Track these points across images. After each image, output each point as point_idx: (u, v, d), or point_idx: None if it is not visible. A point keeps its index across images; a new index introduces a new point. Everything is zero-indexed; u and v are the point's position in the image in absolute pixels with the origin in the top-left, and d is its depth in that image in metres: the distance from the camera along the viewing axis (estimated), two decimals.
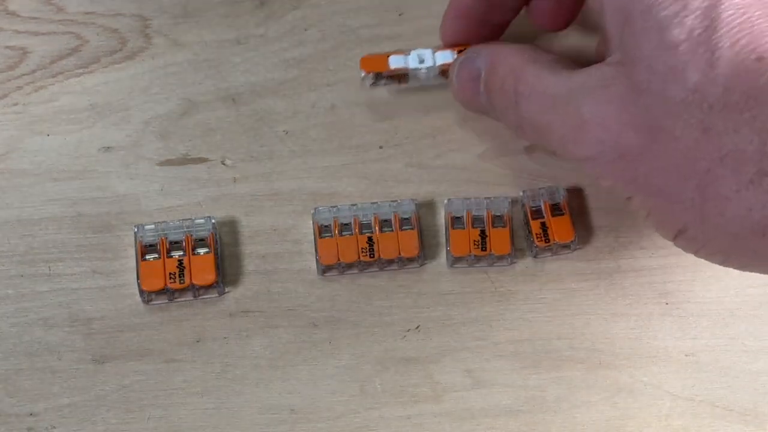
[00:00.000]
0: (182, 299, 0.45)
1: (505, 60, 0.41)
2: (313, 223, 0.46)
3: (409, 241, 0.46)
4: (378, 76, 0.45)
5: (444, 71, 0.44)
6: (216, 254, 0.45)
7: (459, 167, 0.48)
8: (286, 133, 0.48)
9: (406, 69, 0.44)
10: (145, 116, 0.49)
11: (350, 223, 0.46)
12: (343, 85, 0.49)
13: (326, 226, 0.46)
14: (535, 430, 0.43)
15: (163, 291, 0.45)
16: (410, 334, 0.45)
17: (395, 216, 0.46)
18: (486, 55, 0.42)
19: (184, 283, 0.45)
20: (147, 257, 0.45)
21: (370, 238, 0.46)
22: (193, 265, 0.45)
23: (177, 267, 0.45)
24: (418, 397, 0.44)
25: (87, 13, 0.50)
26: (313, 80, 0.49)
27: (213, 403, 0.44)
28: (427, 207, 0.47)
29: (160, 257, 0.45)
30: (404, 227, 0.46)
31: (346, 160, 0.48)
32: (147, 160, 0.48)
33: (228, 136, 0.48)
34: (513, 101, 0.40)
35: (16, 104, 0.49)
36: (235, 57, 0.50)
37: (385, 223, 0.46)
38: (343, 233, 0.46)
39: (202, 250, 0.45)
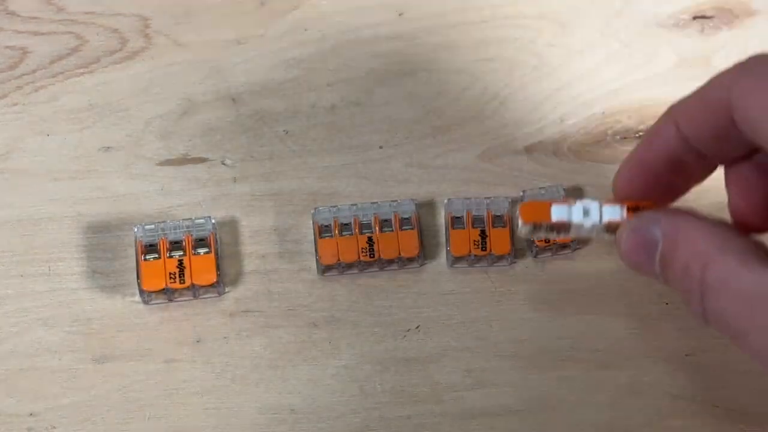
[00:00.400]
0: (182, 299, 0.45)
1: (689, 240, 0.35)
2: (313, 223, 0.46)
3: (409, 241, 0.46)
4: (537, 226, 0.39)
5: (612, 227, 0.39)
6: (216, 254, 0.45)
7: (459, 167, 0.48)
8: (286, 133, 0.48)
9: (569, 222, 0.39)
10: (145, 116, 0.49)
11: (350, 223, 0.46)
12: (343, 85, 0.49)
13: (326, 226, 0.46)
14: (535, 430, 0.43)
15: (163, 291, 0.45)
16: (410, 334, 0.45)
17: (395, 216, 0.46)
18: (666, 226, 0.36)
19: (184, 283, 0.45)
20: (147, 257, 0.45)
21: (370, 238, 0.46)
22: (193, 265, 0.45)
23: (177, 267, 0.45)
24: (418, 397, 0.44)
25: (87, 13, 0.50)
26: (313, 80, 0.49)
27: (213, 403, 0.44)
28: (427, 207, 0.47)
29: (160, 257, 0.45)
30: (404, 227, 0.46)
31: (346, 160, 0.48)
32: (147, 160, 0.48)
33: (228, 136, 0.48)
34: (698, 290, 0.34)
35: (16, 104, 0.49)
36: (235, 57, 0.50)
37: (385, 223, 0.46)
38: (343, 233, 0.46)
39: (202, 250, 0.45)
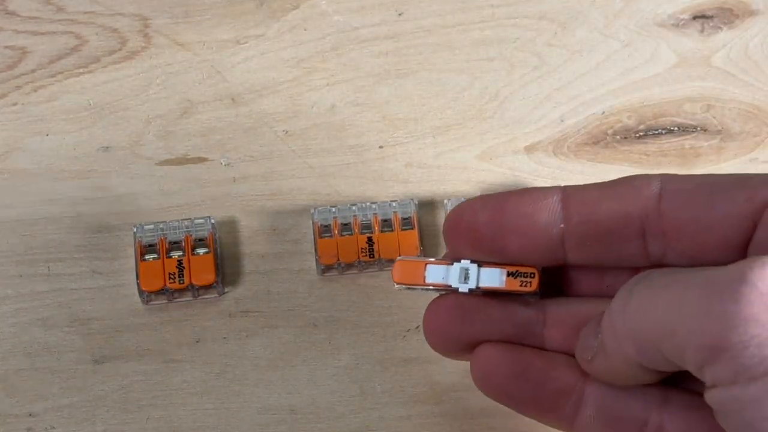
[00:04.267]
0: (182, 299, 0.45)
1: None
2: (313, 223, 0.46)
3: (409, 241, 0.45)
4: (411, 287, 0.37)
5: (490, 294, 0.36)
6: (215, 254, 0.45)
7: (459, 167, 0.48)
8: (286, 133, 0.48)
9: (445, 286, 0.36)
10: (145, 116, 0.48)
11: (350, 223, 0.46)
12: (343, 85, 0.49)
13: (326, 226, 0.46)
14: (535, 430, 0.43)
15: (162, 291, 0.45)
16: (410, 334, 0.45)
17: (395, 216, 0.46)
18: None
19: (183, 283, 0.44)
20: (146, 257, 0.45)
21: (370, 238, 0.45)
22: (193, 265, 0.45)
23: (176, 267, 0.45)
24: (418, 397, 0.44)
25: (87, 13, 0.50)
26: (313, 80, 0.49)
27: (213, 404, 0.44)
28: (427, 207, 0.47)
29: (159, 257, 0.45)
30: (404, 227, 0.46)
31: (346, 160, 0.48)
32: (146, 160, 0.48)
33: (228, 136, 0.48)
34: (624, 297, 0.31)
35: (15, 104, 0.49)
36: (235, 57, 0.49)
37: (385, 223, 0.46)
38: (343, 233, 0.46)
39: (201, 250, 0.45)
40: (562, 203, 0.33)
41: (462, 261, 0.36)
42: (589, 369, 0.34)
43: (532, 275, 0.36)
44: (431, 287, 0.37)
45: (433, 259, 0.37)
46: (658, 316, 0.29)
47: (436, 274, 0.36)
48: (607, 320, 0.32)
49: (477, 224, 0.34)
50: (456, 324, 0.35)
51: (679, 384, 0.34)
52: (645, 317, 0.30)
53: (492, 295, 0.36)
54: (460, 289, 0.36)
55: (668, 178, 0.33)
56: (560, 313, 0.35)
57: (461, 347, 0.36)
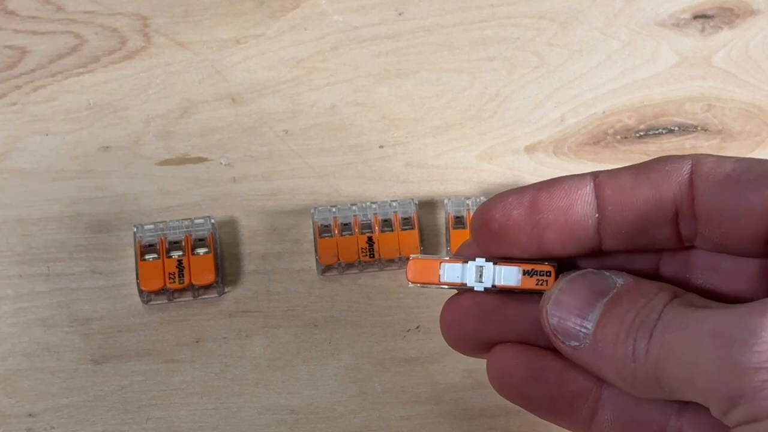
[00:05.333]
0: (182, 299, 0.45)
1: (642, 286, 0.32)
2: (313, 223, 0.46)
3: (409, 241, 0.45)
4: (425, 285, 0.36)
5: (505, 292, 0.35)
6: (215, 254, 0.45)
7: (459, 167, 0.48)
8: (286, 132, 0.48)
9: (461, 285, 0.35)
10: (145, 116, 0.48)
11: (350, 223, 0.46)
12: (343, 85, 0.49)
13: (326, 226, 0.46)
14: (535, 430, 0.43)
15: (162, 291, 0.45)
16: (410, 334, 0.45)
17: (395, 216, 0.46)
18: (622, 276, 0.32)
19: (183, 283, 0.44)
20: (146, 257, 0.45)
21: (370, 238, 0.45)
22: (193, 265, 0.45)
23: (176, 267, 0.45)
24: (418, 397, 0.44)
25: (86, 12, 0.50)
26: (313, 80, 0.49)
27: (212, 404, 0.44)
28: (427, 207, 0.47)
29: (159, 257, 0.45)
30: (404, 227, 0.46)
31: (346, 160, 0.48)
32: (146, 160, 0.48)
33: (228, 136, 0.48)
34: (648, 327, 0.30)
35: (15, 104, 0.49)
36: (235, 57, 0.49)
37: (385, 223, 0.46)
38: (343, 233, 0.45)
39: (201, 250, 0.45)
40: (596, 192, 0.33)
41: (477, 259, 0.35)
42: (569, 355, 0.33)
43: (548, 273, 0.35)
44: (446, 286, 0.36)
45: (447, 258, 0.36)
46: (678, 363, 0.30)
47: (452, 272, 0.36)
48: (628, 351, 0.31)
49: (510, 222, 0.33)
50: (472, 323, 0.35)
51: None
52: (667, 364, 0.30)
53: (509, 293, 0.35)
54: (475, 288, 0.35)
55: (699, 161, 0.32)
56: None
57: (478, 346, 0.35)
